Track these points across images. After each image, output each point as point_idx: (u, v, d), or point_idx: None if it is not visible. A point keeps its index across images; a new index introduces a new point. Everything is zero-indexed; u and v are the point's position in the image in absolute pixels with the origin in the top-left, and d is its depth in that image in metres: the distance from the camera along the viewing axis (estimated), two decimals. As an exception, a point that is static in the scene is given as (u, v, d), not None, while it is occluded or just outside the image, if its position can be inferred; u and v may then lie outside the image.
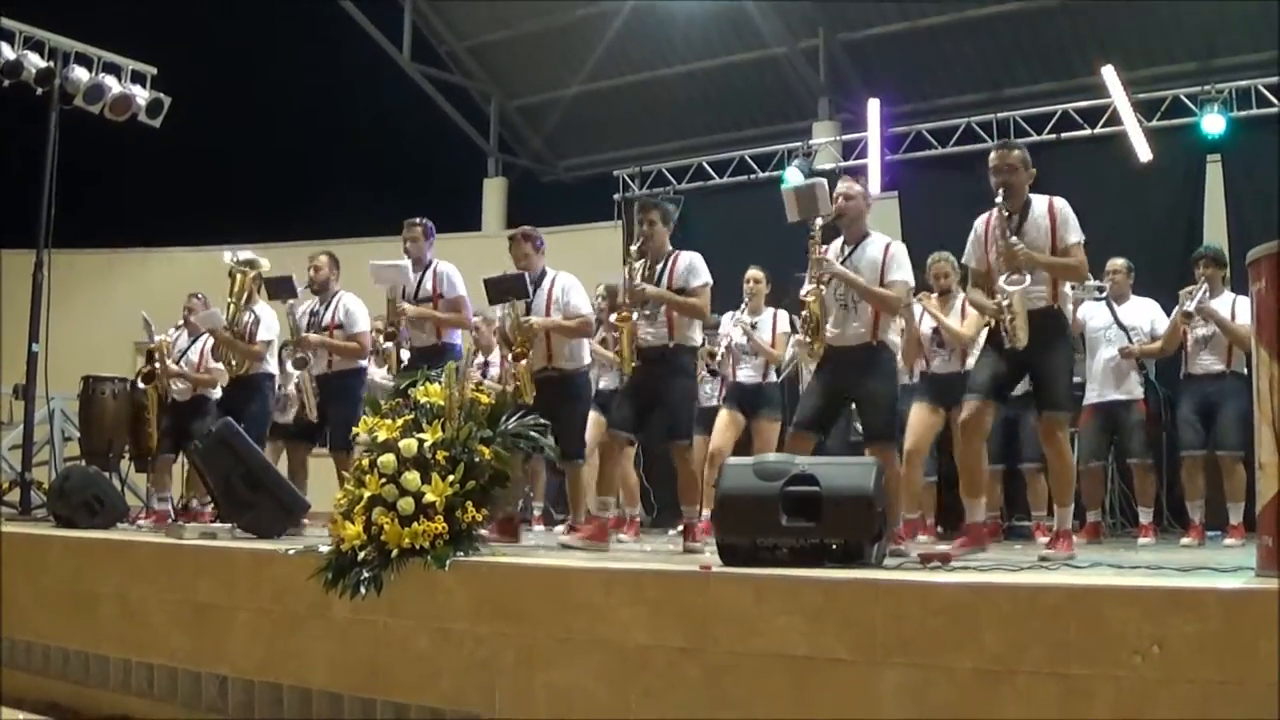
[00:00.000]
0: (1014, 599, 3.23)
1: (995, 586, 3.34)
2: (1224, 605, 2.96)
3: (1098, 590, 3.19)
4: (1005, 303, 4.99)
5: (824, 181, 5.63)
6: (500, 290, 6.15)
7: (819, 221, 5.42)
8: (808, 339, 5.44)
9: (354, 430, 6.77)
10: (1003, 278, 5.03)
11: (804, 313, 5.39)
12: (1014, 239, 5.02)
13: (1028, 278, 4.98)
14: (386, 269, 6.55)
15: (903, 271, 5.43)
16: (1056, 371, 5.08)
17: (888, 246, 5.47)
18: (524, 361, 6.01)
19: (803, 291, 5.37)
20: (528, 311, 6.12)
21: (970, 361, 6.21)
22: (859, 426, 6.74)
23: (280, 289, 7.15)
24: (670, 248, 5.90)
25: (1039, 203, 5.16)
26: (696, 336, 5.92)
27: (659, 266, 5.80)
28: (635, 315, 5.71)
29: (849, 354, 5.36)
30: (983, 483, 5.29)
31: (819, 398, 5.46)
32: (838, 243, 5.56)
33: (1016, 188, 5.11)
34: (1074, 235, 5.09)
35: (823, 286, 5.37)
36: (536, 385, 5.99)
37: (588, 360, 6.41)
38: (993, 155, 5.23)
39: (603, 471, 5.99)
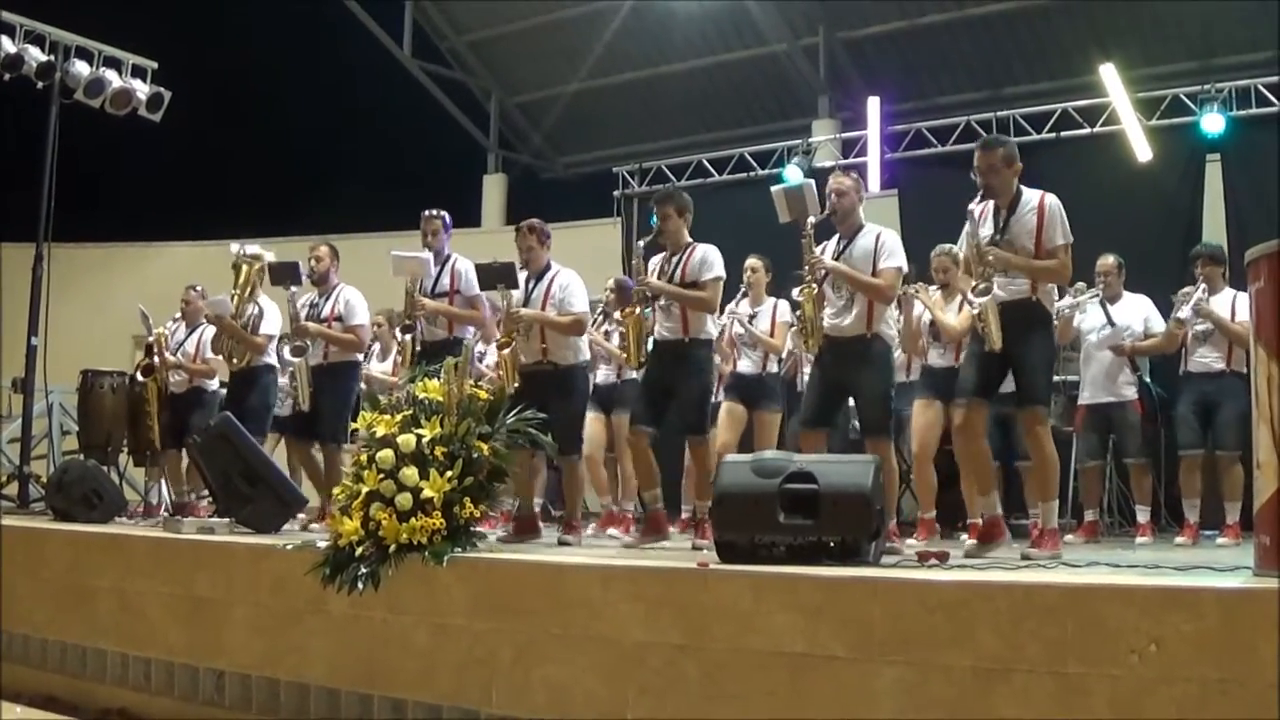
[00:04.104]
0: (1011, 597, 3.22)
1: (993, 585, 3.34)
2: (1222, 604, 2.96)
3: (1095, 589, 3.20)
4: (975, 311, 4.97)
5: (813, 183, 5.59)
6: (490, 276, 6.09)
7: (811, 220, 5.42)
8: (803, 338, 5.47)
9: (343, 423, 6.90)
10: (971, 288, 5.00)
11: (797, 312, 5.39)
12: (987, 245, 4.96)
13: (995, 286, 4.92)
14: (408, 260, 6.39)
15: (895, 259, 5.44)
16: (1034, 364, 4.97)
17: (879, 235, 5.49)
18: (506, 350, 5.91)
19: (795, 291, 5.37)
20: (525, 303, 6.08)
21: None
22: (858, 425, 6.71)
23: (284, 274, 7.05)
24: (688, 240, 5.88)
25: (1029, 198, 5.06)
26: (711, 329, 5.90)
27: (675, 259, 5.81)
28: (648, 309, 5.72)
29: (844, 345, 5.39)
30: (991, 479, 5.20)
31: (819, 392, 5.50)
32: (835, 238, 5.57)
33: (1000, 188, 5.05)
34: (1060, 238, 4.98)
35: (815, 285, 5.38)
36: (531, 379, 5.87)
37: (585, 356, 6.35)
38: (976, 154, 5.13)
39: (636, 467, 6.02)
